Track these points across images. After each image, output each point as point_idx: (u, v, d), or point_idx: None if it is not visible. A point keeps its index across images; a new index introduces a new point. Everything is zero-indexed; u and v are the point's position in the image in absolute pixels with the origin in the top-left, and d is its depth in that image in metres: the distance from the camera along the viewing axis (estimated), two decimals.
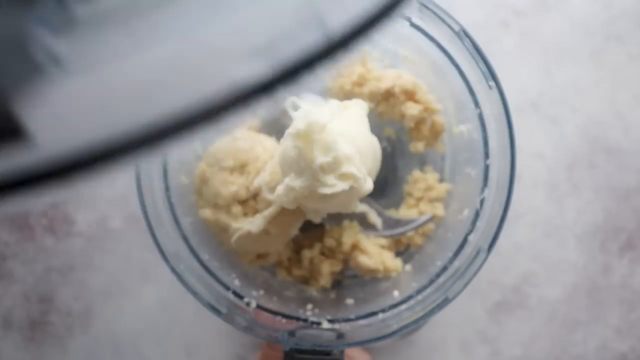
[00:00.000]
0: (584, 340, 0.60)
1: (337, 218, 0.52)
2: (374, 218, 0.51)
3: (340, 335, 0.47)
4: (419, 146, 0.53)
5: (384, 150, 0.55)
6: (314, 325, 0.48)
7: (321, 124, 0.38)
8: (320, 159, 0.38)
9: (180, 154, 0.50)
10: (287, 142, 0.41)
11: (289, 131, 0.39)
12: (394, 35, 0.51)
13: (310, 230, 0.53)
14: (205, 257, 0.48)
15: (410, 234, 0.52)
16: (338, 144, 0.40)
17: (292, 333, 0.47)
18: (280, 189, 0.43)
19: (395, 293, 0.50)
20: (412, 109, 0.51)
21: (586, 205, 0.61)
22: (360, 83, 0.52)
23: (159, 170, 0.48)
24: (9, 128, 0.20)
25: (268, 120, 0.53)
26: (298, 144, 0.38)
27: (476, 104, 0.48)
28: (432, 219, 0.52)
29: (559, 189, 0.61)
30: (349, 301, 0.51)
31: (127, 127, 0.21)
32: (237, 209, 0.48)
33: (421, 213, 0.52)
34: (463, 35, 0.47)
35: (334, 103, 0.45)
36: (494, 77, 0.47)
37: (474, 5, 0.61)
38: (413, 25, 0.48)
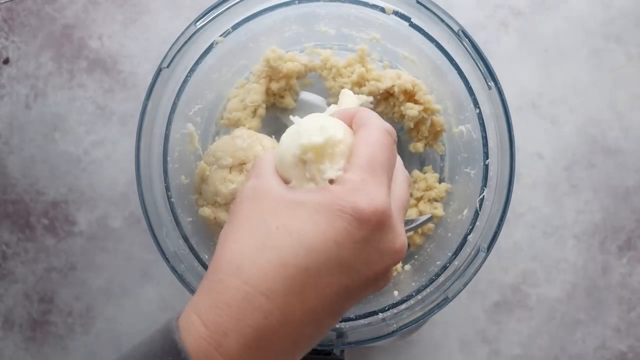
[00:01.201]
0: (583, 339, 0.60)
1: None
2: None
3: (340, 335, 0.47)
4: (418, 146, 0.53)
5: None
6: None
7: (337, 139, 0.37)
8: (330, 173, 0.36)
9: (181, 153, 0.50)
10: (288, 146, 0.38)
11: (303, 143, 0.37)
12: (394, 35, 0.51)
13: None
14: (205, 257, 0.48)
15: (410, 233, 0.52)
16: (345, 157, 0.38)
17: None
18: None
19: (395, 292, 0.50)
20: (411, 110, 0.51)
21: (585, 205, 0.61)
22: (360, 83, 0.52)
23: (160, 171, 0.48)
24: None
25: (267, 119, 0.53)
26: (309, 156, 0.37)
27: (475, 104, 0.48)
28: (431, 219, 0.52)
29: (558, 188, 0.61)
30: None
31: None
32: None
33: (421, 213, 0.52)
34: (462, 35, 0.48)
35: (332, 108, 0.45)
36: (493, 77, 0.47)
37: (474, 5, 0.61)
38: (413, 25, 0.48)
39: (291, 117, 0.40)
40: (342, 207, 0.34)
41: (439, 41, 0.48)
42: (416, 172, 0.54)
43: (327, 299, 0.34)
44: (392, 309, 0.48)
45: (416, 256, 0.53)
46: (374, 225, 0.34)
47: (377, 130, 0.38)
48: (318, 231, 0.34)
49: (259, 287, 0.33)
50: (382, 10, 0.48)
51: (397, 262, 0.37)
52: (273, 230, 0.34)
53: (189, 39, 0.48)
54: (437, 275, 0.48)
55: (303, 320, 0.34)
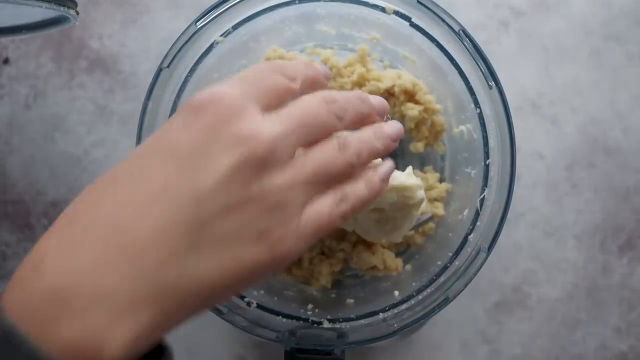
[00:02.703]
0: (584, 339, 0.60)
1: None
2: None
3: (340, 335, 0.47)
4: (419, 146, 0.53)
5: None
6: (315, 325, 0.48)
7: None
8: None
9: None
10: None
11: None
12: (395, 35, 0.51)
13: None
14: None
15: (411, 233, 0.52)
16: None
17: (292, 332, 0.47)
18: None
19: (396, 293, 0.50)
20: (412, 110, 0.51)
21: (586, 205, 0.61)
22: (360, 83, 0.52)
23: None
24: None
25: None
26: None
27: (476, 104, 0.48)
28: (432, 218, 0.52)
29: (558, 188, 0.61)
30: (350, 301, 0.51)
31: None
32: None
33: (421, 213, 0.52)
34: (463, 35, 0.48)
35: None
36: (493, 77, 0.47)
37: (474, 5, 0.61)
38: (413, 25, 0.48)
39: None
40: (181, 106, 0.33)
41: (440, 41, 0.48)
42: (417, 172, 0.54)
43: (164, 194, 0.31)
44: (392, 309, 0.48)
45: (417, 256, 0.53)
46: (212, 113, 0.32)
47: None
48: (168, 128, 0.33)
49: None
50: (383, 10, 0.48)
51: (249, 155, 0.31)
52: None
53: (190, 38, 0.48)
54: (438, 275, 0.48)
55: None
